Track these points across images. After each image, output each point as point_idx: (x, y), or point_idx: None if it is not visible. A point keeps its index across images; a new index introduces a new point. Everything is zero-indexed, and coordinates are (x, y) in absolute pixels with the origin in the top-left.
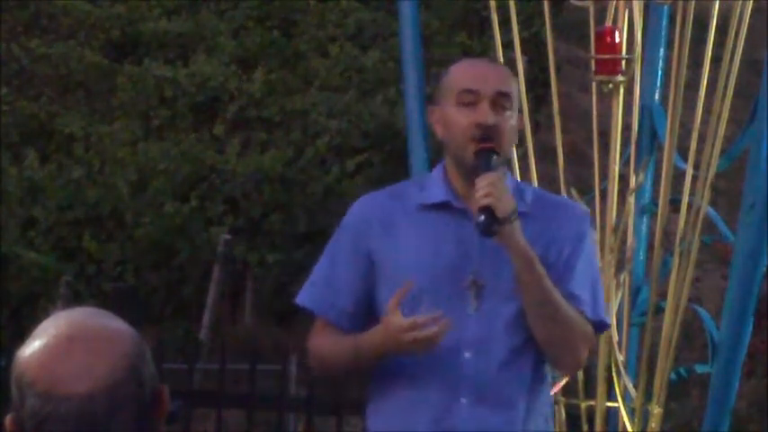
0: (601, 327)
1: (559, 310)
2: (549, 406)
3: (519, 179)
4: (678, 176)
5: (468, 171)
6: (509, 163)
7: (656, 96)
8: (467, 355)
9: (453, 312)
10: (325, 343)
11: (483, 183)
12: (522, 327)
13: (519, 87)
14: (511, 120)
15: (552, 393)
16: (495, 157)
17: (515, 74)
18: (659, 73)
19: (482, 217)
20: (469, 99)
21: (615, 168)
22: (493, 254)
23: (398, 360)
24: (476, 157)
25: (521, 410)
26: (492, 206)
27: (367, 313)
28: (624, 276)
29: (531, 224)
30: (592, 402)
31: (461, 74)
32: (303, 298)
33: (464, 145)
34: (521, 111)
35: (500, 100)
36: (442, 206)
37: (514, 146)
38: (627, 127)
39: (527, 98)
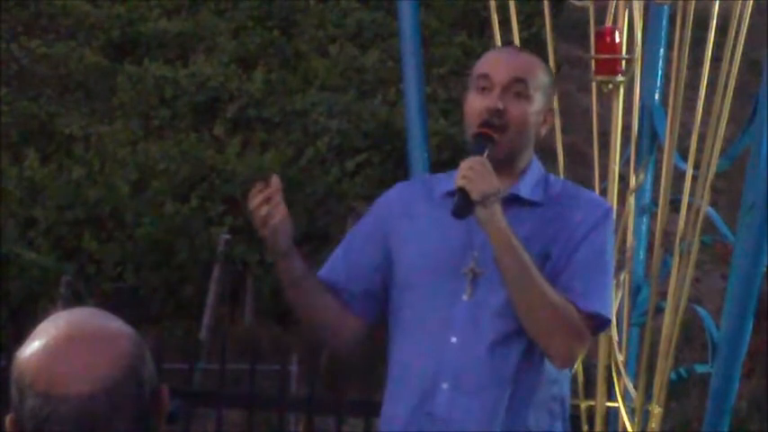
0: (598, 321)
1: (541, 297)
2: (558, 403)
3: None
4: (678, 176)
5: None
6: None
7: (656, 96)
8: (453, 339)
9: (447, 297)
10: None
11: (463, 165)
12: (511, 316)
13: (547, 78)
14: (528, 107)
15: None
16: (490, 143)
17: None
18: (659, 73)
19: (456, 198)
20: (484, 84)
21: (615, 168)
22: None
23: (394, 350)
24: (473, 140)
25: (503, 400)
26: (466, 188)
27: (366, 287)
28: (624, 276)
29: (541, 215)
30: (592, 402)
31: (482, 60)
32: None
33: (473, 130)
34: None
35: (515, 86)
36: None
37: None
38: (627, 127)
39: None
